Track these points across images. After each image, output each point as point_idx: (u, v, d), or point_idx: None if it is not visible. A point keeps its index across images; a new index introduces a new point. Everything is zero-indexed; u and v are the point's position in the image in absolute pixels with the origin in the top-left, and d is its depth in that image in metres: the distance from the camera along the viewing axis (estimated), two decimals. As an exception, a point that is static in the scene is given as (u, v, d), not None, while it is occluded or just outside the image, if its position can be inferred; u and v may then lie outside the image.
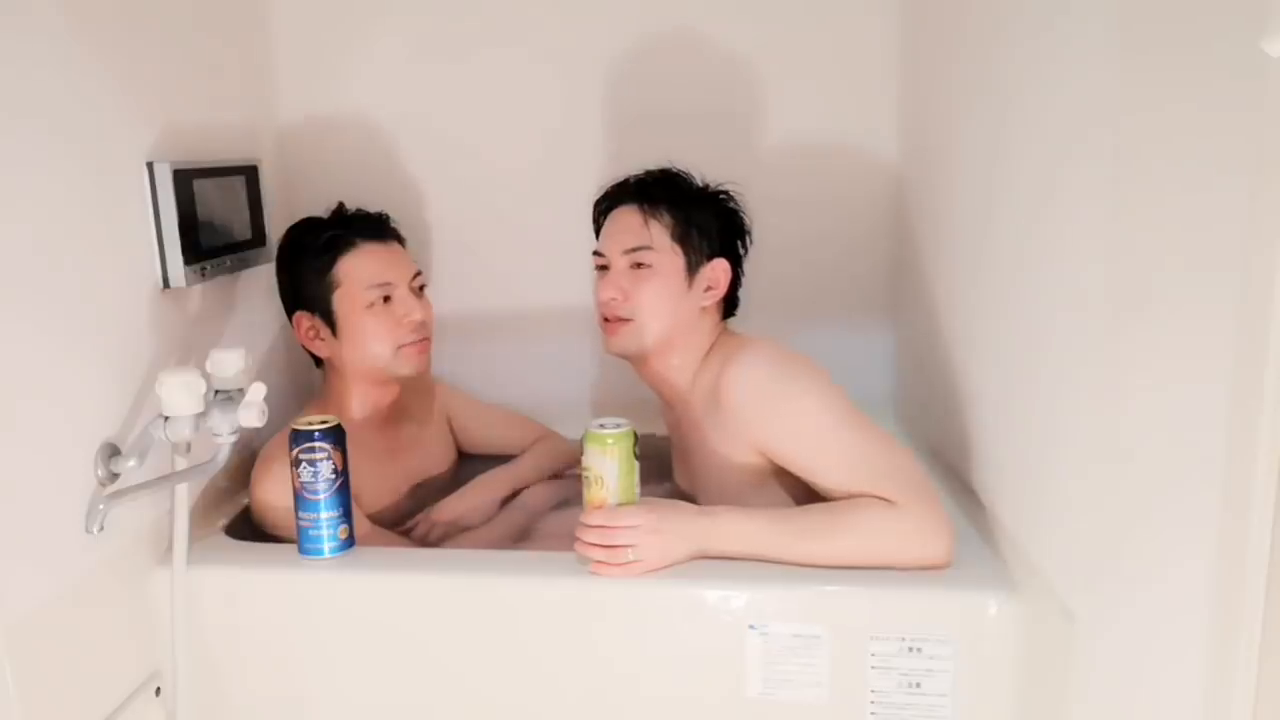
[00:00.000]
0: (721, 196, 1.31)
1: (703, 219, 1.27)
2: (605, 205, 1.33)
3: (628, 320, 1.26)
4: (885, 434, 1.16)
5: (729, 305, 1.32)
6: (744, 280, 1.33)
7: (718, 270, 1.27)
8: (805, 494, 1.18)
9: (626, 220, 1.28)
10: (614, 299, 1.26)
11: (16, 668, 0.94)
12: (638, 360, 1.30)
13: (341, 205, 1.40)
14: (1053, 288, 0.98)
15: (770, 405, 1.16)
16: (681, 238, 1.26)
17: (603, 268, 1.30)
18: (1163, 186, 0.76)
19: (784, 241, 1.51)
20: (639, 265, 1.25)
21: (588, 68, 1.65)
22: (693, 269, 1.26)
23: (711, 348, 1.28)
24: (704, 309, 1.27)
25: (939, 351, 1.40)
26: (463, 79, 1.66)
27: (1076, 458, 0.93)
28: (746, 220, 1.32)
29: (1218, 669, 0.70)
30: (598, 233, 1.33)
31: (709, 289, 1.27)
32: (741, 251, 1.32)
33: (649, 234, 1.25)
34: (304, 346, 1.39)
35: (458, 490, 1.43)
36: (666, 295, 1.25)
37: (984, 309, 1.22)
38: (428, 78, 1.67)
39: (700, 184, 1.32)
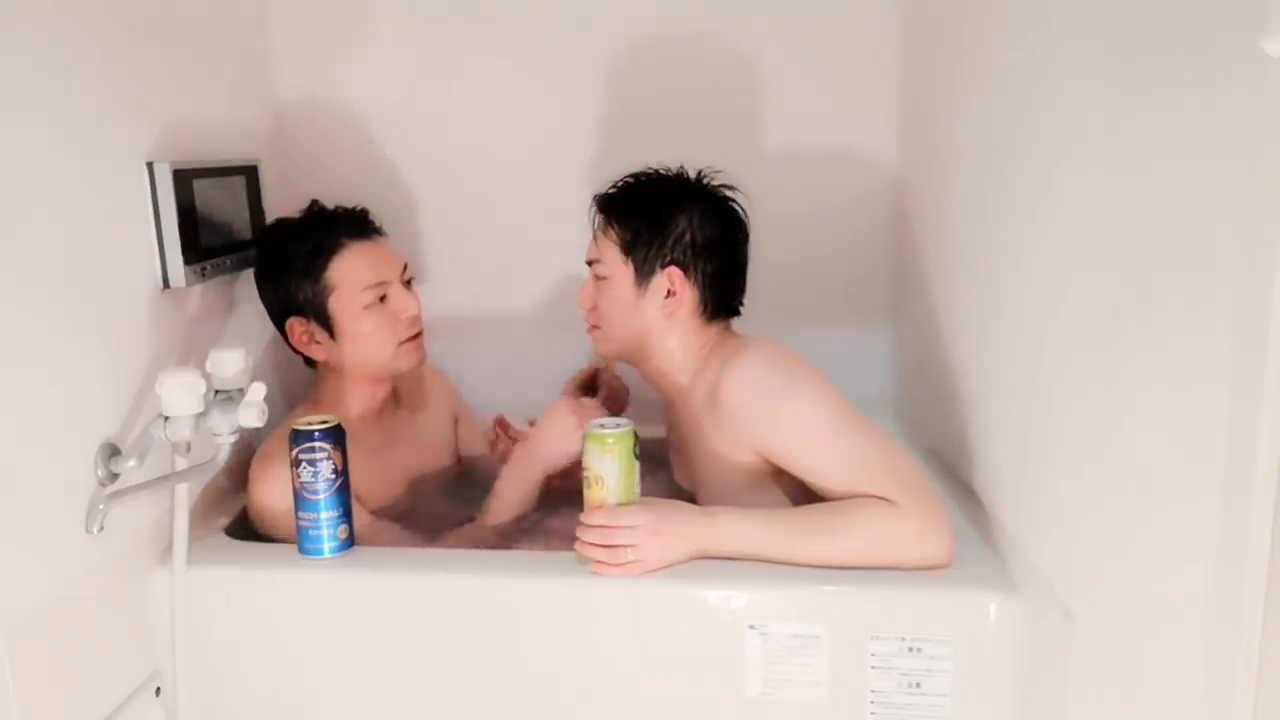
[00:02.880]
0: (692, 203, 1.27)
1: (652, 230, 1.26)
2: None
3: (597, 327, 1.32)
4: (884, 434, 1.16)
5: (724, 307, 1.31)
6: (734, 281, 1.31)
7: (673, 278, 1.26)
8: (804, 495, 1.18)
9: (593, 234, 1.33)
10: (582, 307, 1.33)
11: (16, 668, 0.94)
12: (629, 361, 1.33)
13: (316, 203, 1.39)
14: (1051, 287, 0.98)
15: (769, 406, 1.16)
16: (628, 250, 1.27)
17: None
18: (1161, 187, 0.76)
19: (784, 242, 1.51)
20: (598, 277, 1.31)
21: (587, 67, 1.65)
22: (642, 280, 1.27)
23: (713, 349, 1.28)
24: (670, 313, 1.27)
25: (939, 352, 1.40)
26: (462, 78, 1.67)
27: (1076, 458, 0.93)
28: (723, 223, 1.29)
29: (1218, 669, 0.70)
30: None
31: (670, 294, 1.27)
32: (720, 254, 1.28)
33: (597, 249, 1.30)
34: (298, 352, 1.38)
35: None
36: (617, 305, 1.29)
37: (983, 309, 1.22)
38: (427, 76, 1.67)
39: (674, 186, 1.29)
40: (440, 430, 1.54)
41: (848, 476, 1.12)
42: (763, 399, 1.17)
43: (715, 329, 1.30)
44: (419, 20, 1.65)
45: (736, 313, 1.33)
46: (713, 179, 1.31)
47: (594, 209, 1.32)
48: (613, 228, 1.29)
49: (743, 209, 1.31)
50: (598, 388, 1.51)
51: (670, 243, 1.26)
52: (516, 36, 1.65)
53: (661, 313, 1.27)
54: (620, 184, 1.32)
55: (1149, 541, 0.80)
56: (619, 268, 1.28)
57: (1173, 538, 0.76)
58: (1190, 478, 0.73)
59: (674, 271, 1.26)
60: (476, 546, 1.28)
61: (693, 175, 1.31)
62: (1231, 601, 0.68)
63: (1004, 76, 1.12)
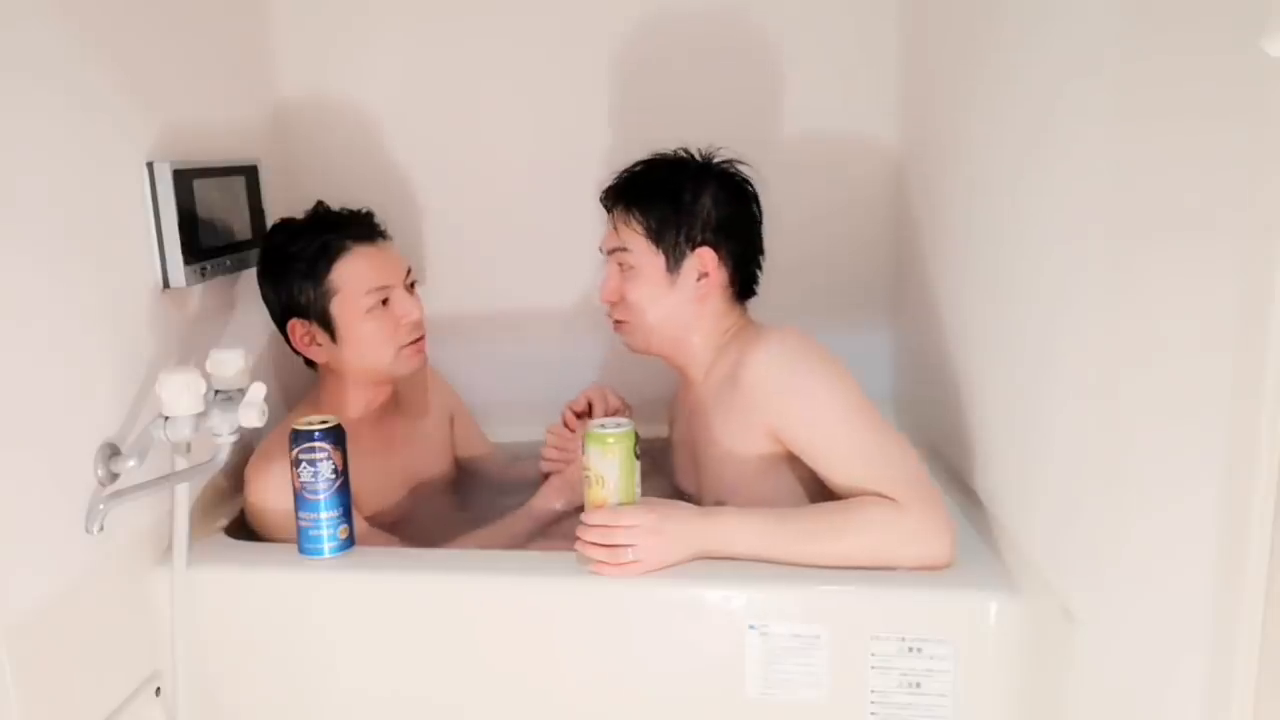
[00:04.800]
0: (710, 182, 1.27)
1: (679, 213, 1.25)
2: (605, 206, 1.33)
3: (625, 320, 1.29)
4: (896, 432, 1.16)
5: (748, 286, 1.30)
6: (755, 259, 1.31)
7: (705, 259, 1.25)
8: (809, 483, 1.18)
9: (610, 222, 1.30)
10: (610, 300, 1.29)
11: (16, 668, 0.94)
12: (658, 353, 1.31)
13: (321, 205, 1.38)
14: (1050, 286, 0.98)
15: (791, 389, 1.16)
16: (656, 236, 1.25)
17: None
18: (1163, 177, 0.76)
19: (784, 240, 1.50)
20: (623, 265, 1.27)
21: (589, 62, 1.65)
22: (674, 265, 1.26)
23: (734, 334, 1.27)
24: (702, 297, 1.26)
25: (939, 350, 1.39)
26: (464, 77, 1.66)
27: (1075, 457, 0.93)
28: (739, 198, 1.29)
29: (1218, 669, 0.70)
30: None
31: (703, 277, 1.26)
32: (742, 230, 1.28)
33: (622, 237, 1.27)
34: (299, 353, 1.37)
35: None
36: (650, 294, 1.26)
37: (983, 307, 1.22)
38: (428, 74, 1.67)
39: (689, 167, 1.29)
40: (438, 431, 1.54)
41: (857, 467, 1.12)
42: (786, 380, 1.16)
43: (737, 312, 1.30)
44: (419, 18, 1.65)
45: (755, 292, 1.32)
46: (721, 155, 1.30)
47: (608, 199, 1.30)
48: (635, 215, 1.26)
49: (753, 183, 1.30)
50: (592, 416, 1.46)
51: (699, 224, 1.25)
52: (518, 34, 1.65)
53: (694, 296, 1.26)
54: (633, 170, 1.30)
55: (1149, 541, 0.80)
56: (648, 256, 1.25)
57: (1173, 538, 0.76)
58: (1191, 477, 0.73)
59: (705, 252, 1.25)
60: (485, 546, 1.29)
61: (699, 156, 1.30)
62: (1232, 601, 0.68)
63: (1006, 70, 1.12)
